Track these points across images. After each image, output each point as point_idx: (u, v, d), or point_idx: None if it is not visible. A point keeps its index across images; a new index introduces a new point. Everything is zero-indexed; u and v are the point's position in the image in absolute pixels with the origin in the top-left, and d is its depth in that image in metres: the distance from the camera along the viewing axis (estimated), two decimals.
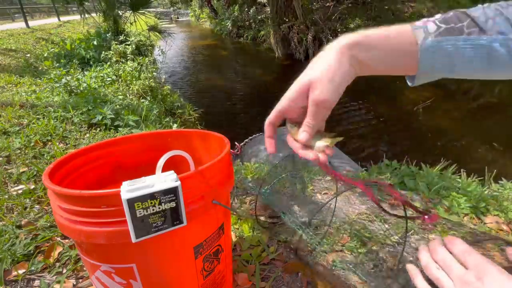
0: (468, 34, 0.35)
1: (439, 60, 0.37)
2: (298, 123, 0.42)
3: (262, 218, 1.12)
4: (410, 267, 0.46)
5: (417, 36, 0.37)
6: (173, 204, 0.45)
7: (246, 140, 1.00)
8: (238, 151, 0.98)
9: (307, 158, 0.42)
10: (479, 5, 0.37)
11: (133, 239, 0.44)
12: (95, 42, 5.53)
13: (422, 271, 0.43)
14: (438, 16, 0.38)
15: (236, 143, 1.00)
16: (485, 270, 0.37)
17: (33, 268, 0.89)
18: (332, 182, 1.43)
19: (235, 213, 1.12)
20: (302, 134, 0.41)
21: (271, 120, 0.43)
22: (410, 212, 0.99)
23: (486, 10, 0.36)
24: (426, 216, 0.43)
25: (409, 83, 0.42)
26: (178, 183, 0.45)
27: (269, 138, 0.44)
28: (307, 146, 0.42)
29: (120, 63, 4.82)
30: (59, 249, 0.96)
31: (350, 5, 9.73)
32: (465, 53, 0.36)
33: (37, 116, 2.10)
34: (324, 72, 0.37)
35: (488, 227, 1.13)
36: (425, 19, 0.38)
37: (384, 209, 0.56)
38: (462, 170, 1.72)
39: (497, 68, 0.36)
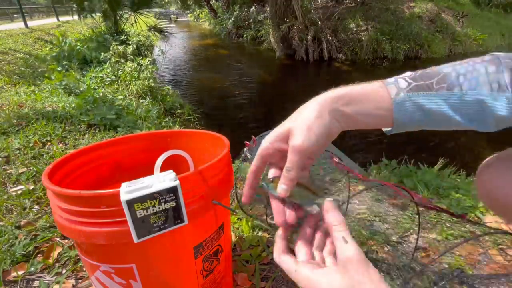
0: (437, 90, 0.38)
1: (411, 114, 0.39)
2: (277, 178, 0.40)
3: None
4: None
5: (390, 91, 0.39)
6: (173, 204, 0.45)
7: (262, 134, 0.94)
8: (254, 144, 0.94)
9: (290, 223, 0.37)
10: (451, 63, 0.39)
11: (135, 240, 0.44)
12: (95, 43, 5.52)
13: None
14: (408, 73, 0.41)
15: (252, 136, 0.97)
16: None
17: (32, 268, 0.89)
18: (331, 182, 1.43)
19: (235, 213, 1.12)
20: (280, 187, 0.38)
21: (252, 169, 0.41)
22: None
23: (456, 67, 0.38)
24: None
25: (385, 131, 0.44)
26: (177, 182, 0.45)
27: (248, 187, 0.42)
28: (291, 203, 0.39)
29: (120, 63, 4.81)
30: (59, 250, 0.96)
31: (349, 5, 9.74)
32: (434, 108, 0.38)
33: (36, 117, 2.10)
34: (304, 121, 0.38)
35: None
36: (395, 76, 0.41)
37: (417, 202, 0.55)
38: (461, 170, 1.72)
39: (466, 121, 0.38)
